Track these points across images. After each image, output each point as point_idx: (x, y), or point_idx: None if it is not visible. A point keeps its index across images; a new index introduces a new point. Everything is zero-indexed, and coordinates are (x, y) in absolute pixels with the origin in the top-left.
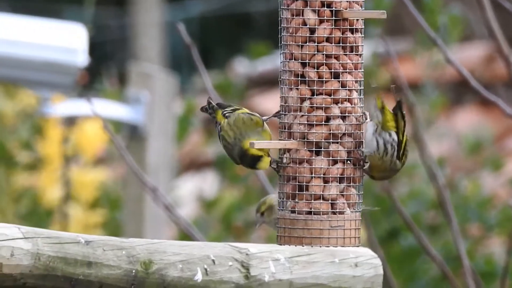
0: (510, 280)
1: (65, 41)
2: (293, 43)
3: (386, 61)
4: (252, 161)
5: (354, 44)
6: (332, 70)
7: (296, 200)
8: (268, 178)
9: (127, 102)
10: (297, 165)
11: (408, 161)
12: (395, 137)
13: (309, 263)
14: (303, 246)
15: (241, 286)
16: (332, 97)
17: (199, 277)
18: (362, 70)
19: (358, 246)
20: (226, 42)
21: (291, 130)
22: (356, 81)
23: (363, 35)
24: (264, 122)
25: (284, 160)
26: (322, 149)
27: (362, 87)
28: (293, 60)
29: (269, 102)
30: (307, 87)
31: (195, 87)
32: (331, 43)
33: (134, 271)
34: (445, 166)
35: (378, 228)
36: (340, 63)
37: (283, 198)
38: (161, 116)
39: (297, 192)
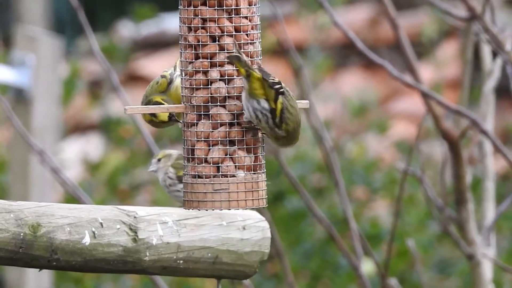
0: (397, 243)
1: None
2: (181, 7)
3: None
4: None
5: (235, 7)
6: (208, 34)
7: (187, 164)
8: (154, 139)
9: (12, 65)
10: (187, 129)
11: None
12: (265, 105)
13: (197, 226)
14: (192, 209)
15: (129, 249)
16: (210, 60)
17: (87, 240)
18: (252, 32)
19: (252, 209)
20: (111, 5)
21: (182, 94)
22: (242, 44)
23: None
24: (171, 84)
25: (179, 125)
26: (203, 112)
27: (256, 49)
28: (182, 24)
29: (154, 65)
30: (191, 51)
31: (80, 50)
32: (207, 7)
33: (22, 234)
34: (331, 129)
35: None
36: (217, 26)
37: (184, 162)
38: (46, 79)
39: (189, 156)
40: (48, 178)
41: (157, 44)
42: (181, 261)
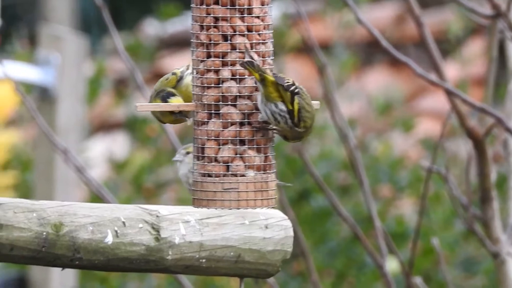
0: (422, 241)
1: None
2: (194, 5)
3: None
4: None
5: (247, 7)
6: (221, 33)
7: (197, 162)
8: (179, 138)
9: (37, 64)
10: (197, 127)
11: (318, 122)
12: (283, 107)
13: (220, 225)
14: (201, 207)
15: (152, 248)
16: (221, 59)
17: (109, 239)
18: (265, 32)
19: (261, 208)
20: (136, 3)
21: (193, 92)
22: (253, 44)
23: None
24: (181, 80)
25: (189, 123)
26: (213, 111)
27: (268, 49)
28: (194, 22)
29: (179, 64)
30: (202, 50)
31: (106, 49)
32: (220, 5)
33: (44, 233)
34: (356, 127)
35: (289, 189)
36: (230, 25)
37: (194, 160)
38: (71, 77)
39: (199, 154)
40: (72, 177)
41: (183, 43)
42: (204, 260)
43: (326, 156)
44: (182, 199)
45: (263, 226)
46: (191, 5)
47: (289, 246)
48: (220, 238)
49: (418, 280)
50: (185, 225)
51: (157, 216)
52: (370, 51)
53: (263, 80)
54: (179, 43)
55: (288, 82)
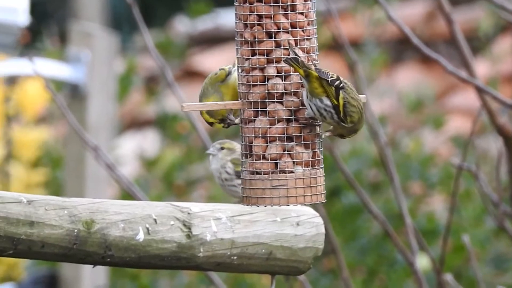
0: (452, 238)
1: (6, 0)
2: (237, 3)
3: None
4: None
5: (290, 3)
6: (264, 30)
7: (245, 160)
8: (210, 135)
9: (68, 61)
10: (244, 125)
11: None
12: (328, 102)
13: (251, 222)
14: (250, 205)
15: (183, 245)
16: (266, 56)
17: (141, 236)
18: (309, 28)
19: (309, 205)
20: (167, 1)
21: (239, 90)
22: (298, 40)
23: None
24: (230, 75)
25: (236, 121)
26: (260, 109)
27: (312, 45)
28: (237, 21)
29: (210, 61)
30: (247, 48)
31: (136, 46)
32: (263, 3)
33: (76, 230)
34: (387, 124)
35: None
36: (273, 22)
37: (242, 158)
38: (101, 75)
39: (247, 152)
40: (103, 174)
41: (213, 40)
42: (235, 257)
43: (356, 153)
44: (213, 196)
45: (294, 223)
46: (235, 4)
47: (320, 243)
48: (252, 235)
49: (449, 277)
50: (216, 222)
51: (189, 213)
52: (401, 49)
53: (307, 76)
54: (209, 40)
55: (332, 77)
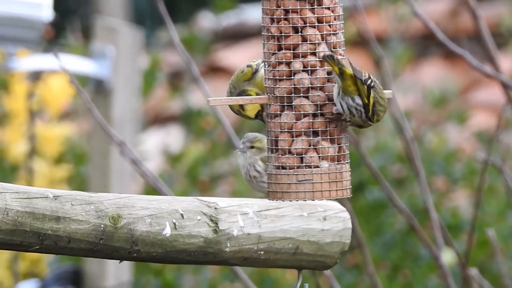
0: (476, 233)
1: None
2: None
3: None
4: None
5: None
6: (291, 25)
7: (270, 155)
8: (235, 130)
9: (92, 57)
10: (270, 120)
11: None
12: (359, 101)
13: (278, 217)
14: (276, 200)
15: (210, 240)
16: (292, 51)
17: (167, 231)
18: (335, 23)
19: (335, 199)
20: None
21: (265, 85)
22: (324, 35)
23: None
24: (256, 73)
25: (264, 115)
26: (286, 103)
27: (339, 40)
28: (264, 15)
29: (234, 57)
30: (274, 42)
31: (160, 41)
32: None
33: (102, 225)
34: (411, 119)
35: None
36: (300, 17)
37: (268, 153)
38: (126, 70)
39: (272, 147)
40: (128, 170)
41: (237, 35)
42: (262, 252)
43: (381, 148)
44: (237, 192)
45: (321, 217)
46: None
47: (347, 237)
48: (279, 230)
49: (474, 271)
50: (243, 217)
51: (215, 208)
52: (425, 44)
53: (341, 73)
54: (233, 36)
55: (365, 76)
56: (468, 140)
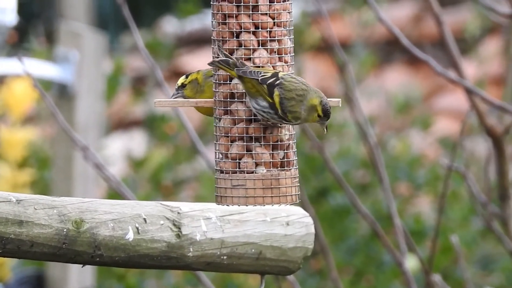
0: (440, 239)
1: None
2: (212, 2)
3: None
4: None
5: (253, 4)
6: (227, 30)
7: (215, 159)
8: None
9: (56, 61)
10: (215, 124)
11: (337, 120)
12: (264, 103)
13: (241, 221)
14: (216, 204)
15: (173, 245)
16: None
17: (130, 236)
18: (277, 29)
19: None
20: (154, 1)
21: (213, 89)
22: (260, 41)
23: None
24: (205, 76)
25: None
26: (225, 108)
27: (284, 46)
28: (212, 19)
29: (198, 62)
30: (215, 46)
31: (124, 46)
32: (227, 2)
33: (65, 230)
34: (375, 125)
35: (308, 187)
36: (236, 22)
37: (215, 157)
38: (90, 75)
39: (216, 150)
40: (92, 174)
41: (201, 40)
42: (225, 257)
43: (345, 154)
44: (200, 196)
45: (284, 223)
46: (211, 2)
47: (310, 243)
48: (242, 234)
49: (437, 277)
50: (206, 222)
51: (178, 212)
52: (389, 50)
53: (240, 77)
54: (197, 41)
55: (264, 76)
56: (431, 146)
